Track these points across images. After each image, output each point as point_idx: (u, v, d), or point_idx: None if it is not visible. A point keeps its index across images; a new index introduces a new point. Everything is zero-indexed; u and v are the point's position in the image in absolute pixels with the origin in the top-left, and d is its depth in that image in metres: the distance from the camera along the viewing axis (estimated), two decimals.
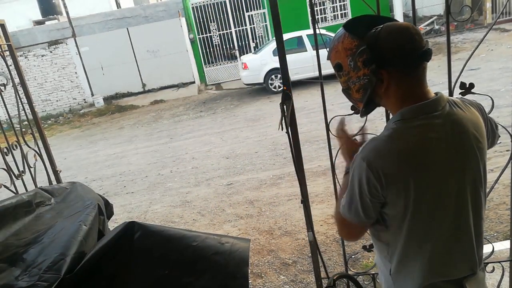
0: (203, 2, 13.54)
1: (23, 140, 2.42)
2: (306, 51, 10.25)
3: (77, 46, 12.98)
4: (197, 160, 6.29)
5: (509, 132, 1.75)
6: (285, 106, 1.43)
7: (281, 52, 1.65)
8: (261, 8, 13.71)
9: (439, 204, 1.05)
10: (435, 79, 7.07)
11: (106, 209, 1.74)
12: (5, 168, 2.25)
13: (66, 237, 1.36)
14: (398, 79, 1.04)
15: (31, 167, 2.43)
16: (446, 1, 1.63)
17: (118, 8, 17.04)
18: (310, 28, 10.72)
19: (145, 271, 1.31)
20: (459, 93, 1.58)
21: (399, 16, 13.61)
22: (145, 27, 13.05)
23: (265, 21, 13.92)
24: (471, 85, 1.61)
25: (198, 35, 13.79)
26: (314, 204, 3.98)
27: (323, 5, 13.95)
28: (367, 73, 1.06)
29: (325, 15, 14.10)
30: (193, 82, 13.52)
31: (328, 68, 1.26)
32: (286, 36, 9.45)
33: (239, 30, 13.91)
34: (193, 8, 13.61)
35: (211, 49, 14.01)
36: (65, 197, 1.74)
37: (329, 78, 1.91)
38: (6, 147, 2.25)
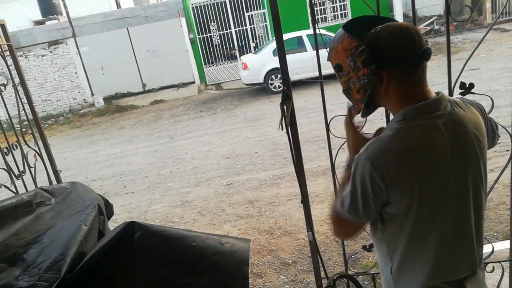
0: (203, 2, 13.54)
1: (23, 140, 2.42)
2: (306, 51, 10.26)
3: (77, 46, 12.98)
4: (197, 160, 6.29)
5: (509, 132, 1.75)
6: (285, 106, 1.43)
7: (281, 52, 1.65)
8: (261, 8, 13.71)
9: (441, 203, 1.05)
10: (435, 79, 7.06)
11: (106, 209, 1.74)
12: (5, 168, 2.25)
13: (66, 237, 1.36)
14: (398, 79, 1.05)
15: (31, 167, 2.43)
16: (446, 1, 1.63)
17: (118, 8, 17.05)
18: (310, 28, 10.72)
19: (145, 271, 1.31)
20: (459, 93, 1.58)
21: (399, 16, 13.61)
22: (145, 27, 13.05)
23: (265, 21, 13.93)
24: (471, 85, 1.61)
25: (198, 35, 13.78)
26: (314, 204, 3.98)
27: (323, 5, 13.95)
28: (367, 73, 1.06)
29: (325, 15, 14.10)
30: (193, 82, 13.52)
31: (328, 68, 1.26)
32: (286, 36, 9.46)
33: (239, 30, 13.91)
34: (193, 8, 13.61)
35: (211, 49, 14.01)
36: (65, 197, 1.74)
37: (329, 78, 1.91)
38: (6, 147, 2.25)
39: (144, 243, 1.34)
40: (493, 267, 1.97)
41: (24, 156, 2.38)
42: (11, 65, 2.39)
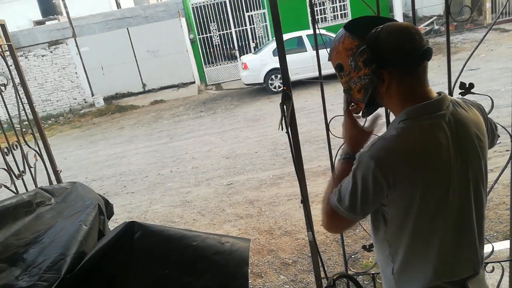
0: (203, 2, 13.54)
1: (24, 140, 2.42)
2: (306, 51, 10.26)
3: (77, 46, 12.98)
4: (197, 160, 6.30)
5: (509, 132, 1.75)
6: (285, 106, 1.43)
7: (281, 52, 1.65)
8: (261, 8, 13.71)
9: (444, 203, 1.05)
10: (435, 79, 7.06)
11: (106, 209, 1.74)
12: (6, 168, 2.25)
13: (66, 237, 1.36)
14: (398, 79, 1.05)
15: (32, 167, 2.43)
16: (446, 1, 1.63)
17: (118, 8, 17.05)
18: (310, 28, 10.72)
19: (145, 271, 1.31)
20: (459, 93, 1.58)
21: (399, 16, 13.61)
22: (145, 27, 13.05)
23: (265, 21, 13.93)
24: (471, 85, 1.61)
25: (198, 35, 13.79)
26: (314, 204, 3.97)
27: (323, 5, 13.95)
28: (368, 73, 1.06)
29: (325, 15, 14.10)
30: (193, 82, 13.52)
31: (328, 68, 1.26)
32: (286, 36, 9.46)
33: (239, 30, 13.91)
34: (193, 8, 13.61)
35: (211, 49, 14.01)
36: (66, 197, 1.74)
37: (329, 78, 1.91)
38: (6, 147, 2.25)
39: (144, 243, 1.34)
40: (493, 267, 1.97)
41: (24, 156, 2.38)
42: (11, 65, 2.39)
